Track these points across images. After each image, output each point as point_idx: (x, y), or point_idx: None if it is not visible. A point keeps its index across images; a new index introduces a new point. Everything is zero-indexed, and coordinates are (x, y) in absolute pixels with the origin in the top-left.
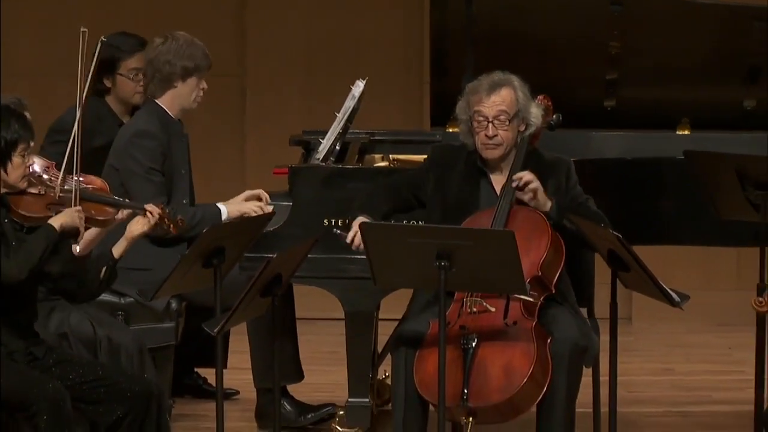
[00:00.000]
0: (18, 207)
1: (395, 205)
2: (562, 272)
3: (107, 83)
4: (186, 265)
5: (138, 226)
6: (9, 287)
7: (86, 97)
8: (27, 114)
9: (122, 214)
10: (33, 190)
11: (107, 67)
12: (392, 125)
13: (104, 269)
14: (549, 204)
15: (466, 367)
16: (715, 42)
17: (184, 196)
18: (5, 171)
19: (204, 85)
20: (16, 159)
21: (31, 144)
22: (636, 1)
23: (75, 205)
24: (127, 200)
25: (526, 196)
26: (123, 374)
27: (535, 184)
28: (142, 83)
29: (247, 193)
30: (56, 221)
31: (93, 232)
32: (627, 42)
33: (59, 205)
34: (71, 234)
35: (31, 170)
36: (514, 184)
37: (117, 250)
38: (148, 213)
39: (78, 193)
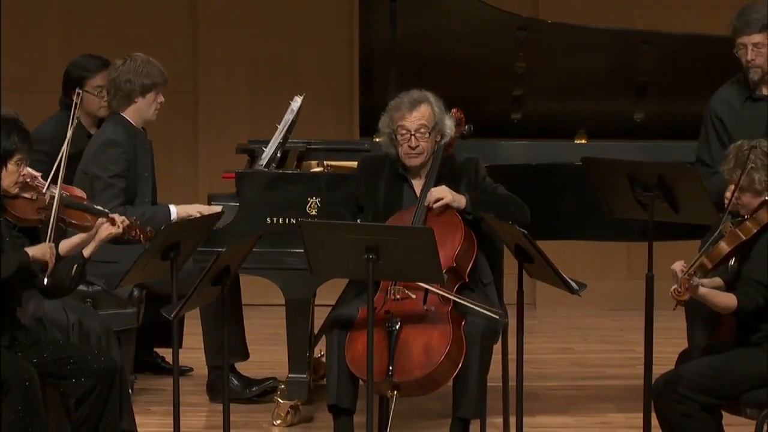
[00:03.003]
0: (12, 209)
1: (351, 215)
2: (474, 263)
3: (75, 100)
4: (146, 258)
5: (105, 232)
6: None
7: (58, 110)
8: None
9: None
10: (26, 195)
11: (74, 85)
12: (326, 135)
13: (75, 267)
14: (464, 200)
15: (391, 347)
16: (608, 62)
17: (147, 197)
18: None
19: (161, 98)
20: (11, 167)
21: (27, 155)
22: (539, 27)
23: (58, 210)
24: (100, 208)
25: (440, 208)
26: (90, 353)
27: (445, 197)
28: (105, 98)
29: (198, 206)
30: (30, 251)
31: (76, 238)
32: (531, 62)
33: (47, 209)
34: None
35: (25, 177)
36: (426, 203)
37: (87, 251)
38: (116, 221)
39: (60, 200)
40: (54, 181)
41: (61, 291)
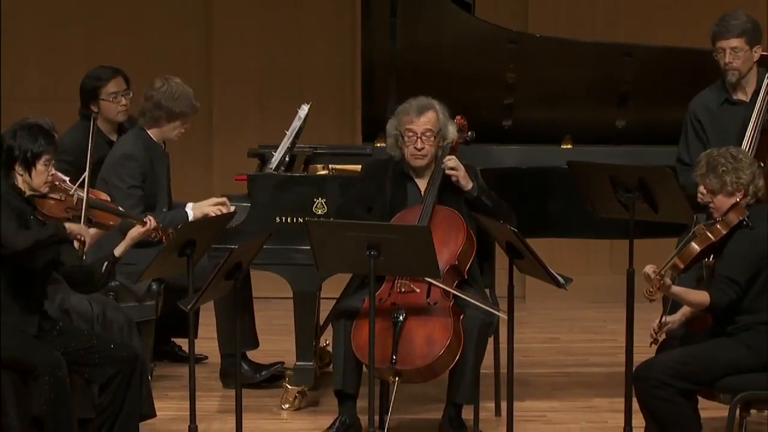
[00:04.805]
0: (42, 207)
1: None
2: (473, 261)
3: (93, 108)
4: (165, 255)
5: (137, 232)
6: (29, 275)
7: (78, 120)
8: (54, 132)
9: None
10: (54, 196)
11: (91, 95)
12: (330, 141)
13: (105, 265)
14: (471, 184)
15: (395, 337)
16: (592, 73)
17: (164, 205)
18: (30, 176)
19: (187, 126)
20: (39, 167)
21: (54, 156)
22: (528, 41)
23: (86, 209)
24: (127, 212)
25: (453, 175)
26: (113, 342)
27: (460, 170)
28: (122, 103)
29: (214, 199)
30: (68, 225)
31: (94, 232)
32: (521, 73)
33: (75, 209)
34: (75, 237)
35: (54, 179)
36: (443, 165)
37: (118, 251)
38: (148, 222)
39: (88, 201)
40: (81, 185)
41: (91, 288)
